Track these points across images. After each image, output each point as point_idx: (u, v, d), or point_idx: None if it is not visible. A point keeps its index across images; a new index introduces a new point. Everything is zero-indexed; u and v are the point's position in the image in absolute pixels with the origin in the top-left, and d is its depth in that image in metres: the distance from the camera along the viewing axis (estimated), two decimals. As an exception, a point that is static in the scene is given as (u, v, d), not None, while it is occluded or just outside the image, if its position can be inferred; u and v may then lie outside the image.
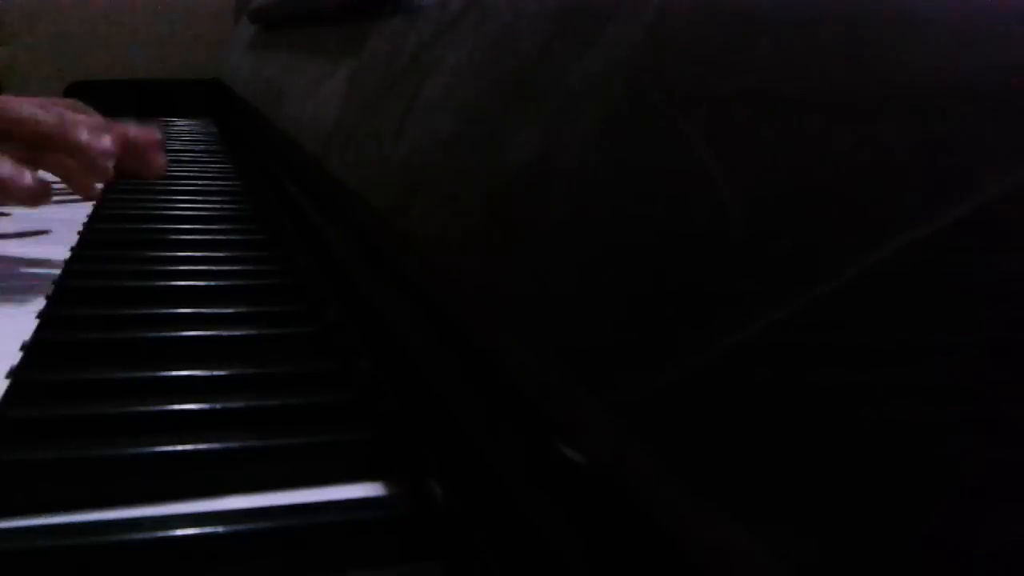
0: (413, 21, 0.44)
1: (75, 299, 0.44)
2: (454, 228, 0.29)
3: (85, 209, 0.66)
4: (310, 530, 0.25)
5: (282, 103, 0.72)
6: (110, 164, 0.51)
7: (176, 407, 0.31)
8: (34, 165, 0.51)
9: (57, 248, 0.53)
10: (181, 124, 1.27)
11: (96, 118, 0.54)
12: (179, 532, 0.24)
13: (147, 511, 0.26)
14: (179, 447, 0.28)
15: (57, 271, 0.48)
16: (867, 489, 0.12)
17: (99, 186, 0.58)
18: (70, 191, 0.69)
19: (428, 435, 0.27)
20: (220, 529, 0.24)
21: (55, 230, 0.61)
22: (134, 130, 0.54)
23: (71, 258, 0.51)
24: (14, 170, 0.48)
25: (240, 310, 0.43)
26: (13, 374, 0.34)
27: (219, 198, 0.72)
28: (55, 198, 0.70)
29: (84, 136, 0.50)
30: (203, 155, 0.98)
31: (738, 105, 0.18)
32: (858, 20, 0.17)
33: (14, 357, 0.35)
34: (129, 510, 0.26)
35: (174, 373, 0.34)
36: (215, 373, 0.34)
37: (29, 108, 0.50)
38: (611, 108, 0.23)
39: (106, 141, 0.51)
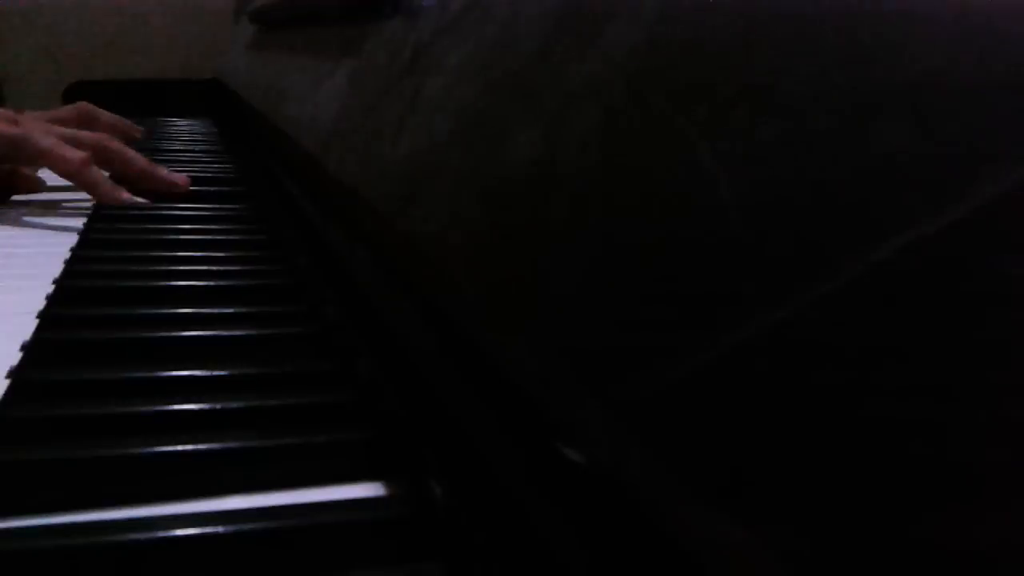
0: (413, 21, 0.44)
1: (75, 299, 0.44)
2: (454, 228, 0.29)
3: (85, 209, 0.66)
4: (310, 530, 0.25)
5: (282, 103, 0.72)
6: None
7: (176, 407, 0.31)
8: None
9: (57, 248, 0.53)
10: (181, 124, 1.27)
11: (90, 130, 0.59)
12: (179, 532, 0.24)
13: (147, 511, 0.26)
14: (179, 447, 0.28)
15: (57, 271, 0.48)
16: (866, 489, 0.12)
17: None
18: (68, 192, 0.69)
19: (428, 435, 0.27)
20: (220, 529, 0.24)
21: (55, 230, 0.61)
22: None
23: (71, 258, 0.51)
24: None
25: (240, 310, 0.43)
26: (13, 374, 0.34)
27: (219, 198, 0.72)
28: (55, 199, 0.71)
29: (49, 143, 0.56)
30: (203, 155, 0.98)
31: (738, 105, 0.18)
32: (858, 20, 0.17)
33: (14, 357, 0.35)
34: (129, 510, 0.26)
35: (174, 373, 0.34)
36: (215, 373, 0.34)
37: (48, 141, 0.55)
38: (611, 108, 0.23)
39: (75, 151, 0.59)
